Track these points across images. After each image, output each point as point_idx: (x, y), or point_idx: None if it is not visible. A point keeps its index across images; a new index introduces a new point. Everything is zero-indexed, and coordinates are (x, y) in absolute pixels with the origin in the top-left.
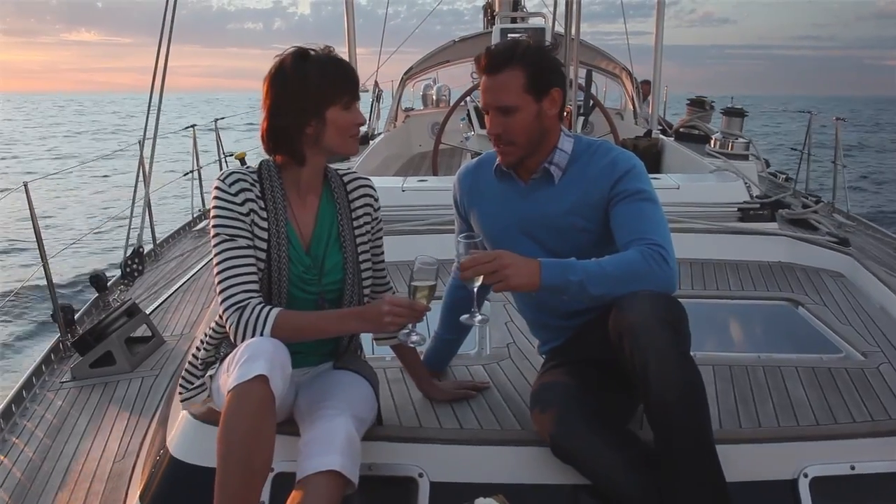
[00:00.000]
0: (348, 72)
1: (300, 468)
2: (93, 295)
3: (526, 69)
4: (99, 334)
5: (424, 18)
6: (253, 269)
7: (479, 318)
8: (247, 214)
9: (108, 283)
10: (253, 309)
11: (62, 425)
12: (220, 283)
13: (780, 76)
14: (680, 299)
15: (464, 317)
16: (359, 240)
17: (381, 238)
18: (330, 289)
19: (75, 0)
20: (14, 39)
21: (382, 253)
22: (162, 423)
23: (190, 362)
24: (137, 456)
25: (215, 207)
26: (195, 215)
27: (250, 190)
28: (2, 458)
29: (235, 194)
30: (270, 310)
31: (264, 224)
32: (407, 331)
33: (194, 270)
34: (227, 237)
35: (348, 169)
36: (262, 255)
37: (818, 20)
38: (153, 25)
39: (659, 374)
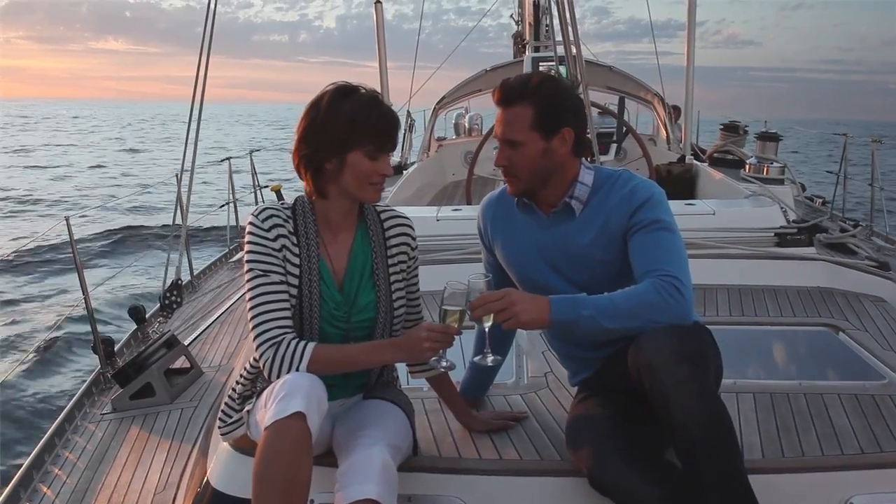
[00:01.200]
0: (382, 121)
1: (337, 499)
2: (132, 326)
3: (536, 106)
4: (139, 366)
5: (462, 40)
6: (286, 304)
7: (490, 358)
8: (279, 250)
9: (147, 315)
10: (288, 344)
11: (103, 457)
12: (253, 318)
13: (803, 99)
14: (717, 326)
15: (476, 357)
16: (393, 278)
17: (416, 275)
18: (360, 326)
19: (104, 9)
20: (44, 46)
21: (418, 288)
22: (202, 454)
23: (229, 395)
24: (178, 487)
25: (248, 243)
26: (231, 247)
27: (283, 226)
28: (45, 489)
29: (268, 230)
30: (307, 344)
31: (296, 260)
32: (437, 357)
33: (231, 302)
34: (261, 272)
35: (387, 205)
36: (294, 291)
37: (843, 44)
38: (180, 35)
39: (680, 410)
